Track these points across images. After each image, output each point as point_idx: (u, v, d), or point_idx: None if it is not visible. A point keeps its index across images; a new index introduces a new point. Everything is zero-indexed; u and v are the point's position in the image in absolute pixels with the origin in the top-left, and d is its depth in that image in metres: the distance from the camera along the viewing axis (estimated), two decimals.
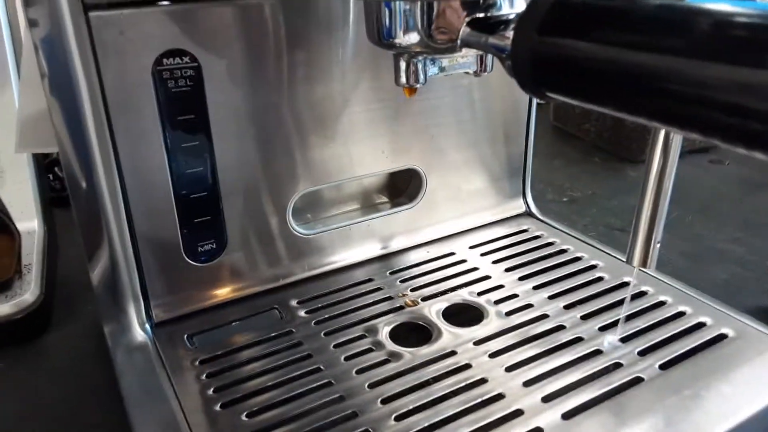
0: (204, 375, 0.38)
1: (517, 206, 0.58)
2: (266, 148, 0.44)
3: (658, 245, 0.37)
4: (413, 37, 0.32)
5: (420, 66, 0.34)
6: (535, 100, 0.55)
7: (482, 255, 0.52)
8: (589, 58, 0.25)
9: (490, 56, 0.35)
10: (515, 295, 0.46)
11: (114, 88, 0.37)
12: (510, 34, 0.28)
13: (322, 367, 0.39)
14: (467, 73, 0.36)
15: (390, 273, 0.50)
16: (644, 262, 0.37)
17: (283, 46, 0.42)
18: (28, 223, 0.62)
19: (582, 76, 0.26)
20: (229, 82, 0.40)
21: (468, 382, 0.37)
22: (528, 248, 0.53)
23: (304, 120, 0.44)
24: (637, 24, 0.24)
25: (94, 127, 0.37)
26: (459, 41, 0.31)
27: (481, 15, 0.31)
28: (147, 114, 0.38)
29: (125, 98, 0.37)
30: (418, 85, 0.35)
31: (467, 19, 0.31)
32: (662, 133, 0.34)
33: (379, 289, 0.47)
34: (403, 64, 0.34)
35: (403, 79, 0.34)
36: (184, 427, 0.34)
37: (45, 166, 0.73)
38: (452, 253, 0.52)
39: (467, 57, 0.35)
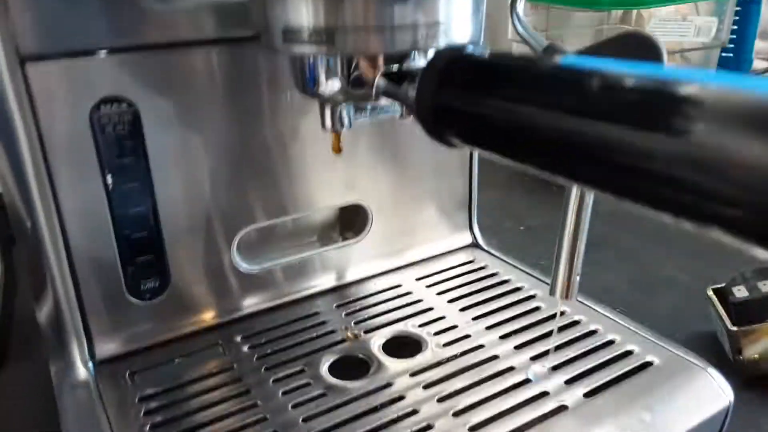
0: (142, 412, 0.39)
1: (464, 238, 0.60)
2: (208, 186, 0.45)
3: (578, 277, 0.39)
4: (334, 87, 0.34)
5: (344, 112, 0.36)
6: None
7: (428, 287, 0.53)
8: (480, 111, 0.27)
9: None
10: (455, 326, 0.47)
11: (52, 135, 0.38)
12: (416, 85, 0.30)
13: (259, 402, 0.39)
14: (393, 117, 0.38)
15: (336, 306, 0.51)
16: (566, 294, 0.38)
17: (223, 89, 0.43)
18: None
19: (476, 126, 0.28)
20: (168, 125, 0.42)
21: (399, 413, 0.38)
22: (472, 279, 0.54)
23: (244, 159, 0.46)
24: (521, 80, 0.26)
25: (34, 172, 0.38)
26: (374, 91, 0.33)
27: (396, 66, 0.33)
28: (86, 158, 0.40)
29: (63, 144, 0.39)
30: (342, 130, 0.37)
31: (382, 70, 0.33)
32: None
33: (323, 323, 0.48)
34: (327, 111, 0.36)
35: (328, 124, 0.36)
36: None
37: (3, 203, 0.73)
38: (399, 286, 0.54)
39: (394, 103, 0.37)
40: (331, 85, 0.34)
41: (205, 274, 0.47)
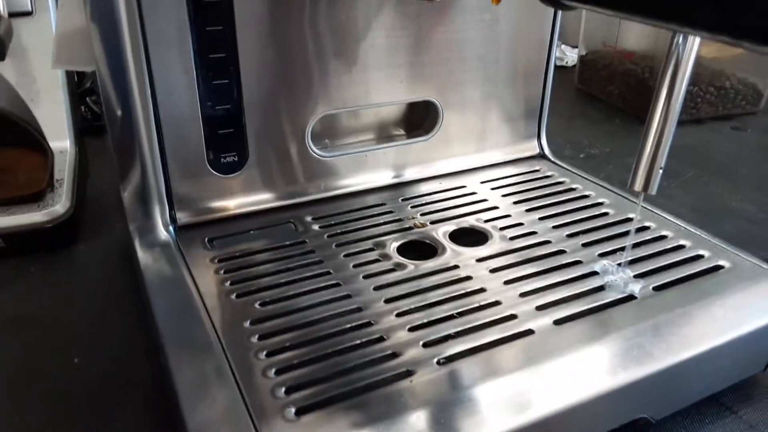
0: (222, 271, 0.41)
1: (532, 147, 0.59)
2: (289, 67, 0.45)
3: (661, 171, 0.38)
4: None
5: None
6: (555, 43, 0.56)
7: (492, 189, 0.54)
8: None
9: None
10: (520, 224, 0.48)
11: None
12: None
13: (331, 271, 0.41)
14: None
15: (402, 200, 0.51)
16: (646, 186, 0.38)
17: None
18: (61, 142, 0.65)
19: None
20: None
21: (467, 290, 0.39)
22: (538, 185, 0.54)
23: (327, 42, 0.46)
24: None
25: (129, 33, 0.39)
26: None
27: None
28: (178, 24, 0.40)
29: (158, 10, 0.39)
30: None
31: None
32: (674, 56, 0.35)
33: (390, 212, 0.49)
34: None
35: None
36: (202, 311, 0.37)
37: (78, 95, 0.76)
38: (463, 186, 0.54)
39: None
40: None
41: (280, 156, 0.48)
